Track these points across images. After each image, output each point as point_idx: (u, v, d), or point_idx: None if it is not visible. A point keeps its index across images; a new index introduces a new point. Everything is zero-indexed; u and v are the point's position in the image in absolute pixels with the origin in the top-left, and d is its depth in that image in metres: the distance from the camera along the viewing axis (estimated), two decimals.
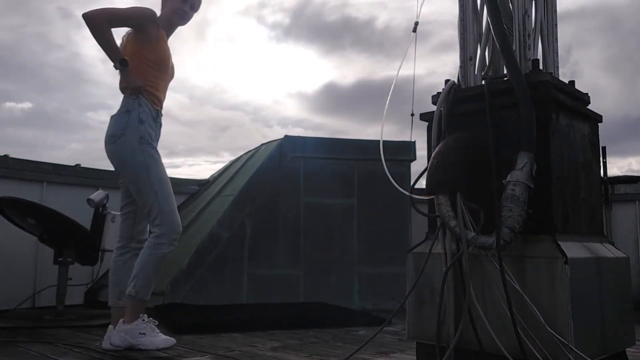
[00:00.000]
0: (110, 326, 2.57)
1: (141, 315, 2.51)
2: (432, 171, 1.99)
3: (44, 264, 4.02)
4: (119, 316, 2.54)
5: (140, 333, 2.47)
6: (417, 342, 2.13)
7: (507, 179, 1.83)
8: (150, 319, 2.53)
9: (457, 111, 2.14)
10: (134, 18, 2.59)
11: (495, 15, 2.06)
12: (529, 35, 2.09)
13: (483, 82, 2.10)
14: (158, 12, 2.70)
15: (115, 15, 2.53)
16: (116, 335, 2.48)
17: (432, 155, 2.03)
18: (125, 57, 2.52)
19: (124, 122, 2.53)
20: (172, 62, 2.78)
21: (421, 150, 4.66)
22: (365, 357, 2.47)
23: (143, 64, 2.59)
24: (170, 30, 2.77)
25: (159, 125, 2.67)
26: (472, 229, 1.89)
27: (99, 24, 2.45)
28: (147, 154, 2.53)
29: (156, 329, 2.53)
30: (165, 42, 2.72)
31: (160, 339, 2.50)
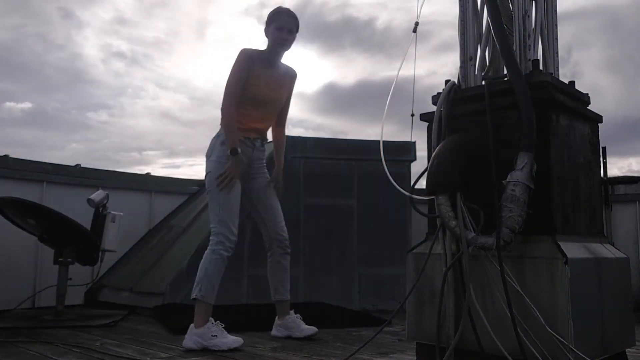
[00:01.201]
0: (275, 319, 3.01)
1: (210, 318, 2.67)
2: (432, 171, 1.99)
3: (44, 264, 4.02)
4: (280, 310, 3.01)
5: (212, 335, 2.63)
6: (417, 343, 2.13)
7: (507, 180, 1.83)
8: (218, 321, 2.70)
9: (457, 111, 2.14)
10: (241, 74, 2.85)
11: (495, 16, 2.06)
12: (529, 35, 2.09)
13: (483, 83, 2.10)
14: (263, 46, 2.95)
15: (232, 90, 2.83)
16: (189, 339, 2.64)
17: (432, 155, 2.03)
18: (237, 147, 2.77)
19: (213, 144, 2.92)
20: (274, 96, 2.98)
21: (421, 151, 4.67)
22: (365, 358, 2.47)
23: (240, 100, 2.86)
24: (277, 57, 2.98)
25: (251, 148, 2.95)
26: (472, 230, 1.89)
27: (227, 115, 2.82)
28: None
29: (224, 330, 2.69)
30: (261, 80, 2.90)
31: (230, 340, 2.66)
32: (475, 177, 1.95)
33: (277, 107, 3.05)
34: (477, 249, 1.86)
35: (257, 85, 2.89)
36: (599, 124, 2.29)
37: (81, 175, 4.61)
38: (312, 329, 2.98)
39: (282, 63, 3.04)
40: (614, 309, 1.99)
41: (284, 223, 3.08)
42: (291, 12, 2.98)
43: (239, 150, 2.78)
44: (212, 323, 2.66)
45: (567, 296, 1.72)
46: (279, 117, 3.11)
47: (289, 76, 3.09)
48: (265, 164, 3.11)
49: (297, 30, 2.97)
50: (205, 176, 2.91)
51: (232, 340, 2.65)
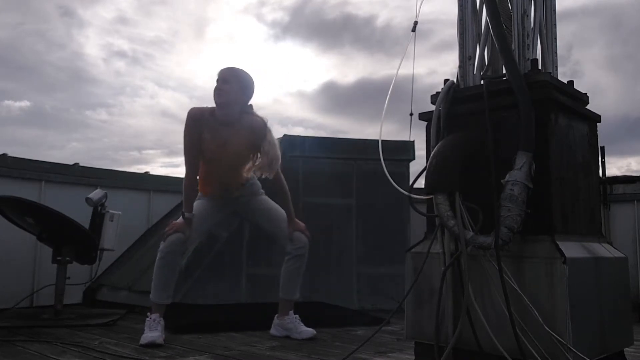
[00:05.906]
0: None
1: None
2: (431, 171, 1.99)
3: (43, 262, 4.01)
4: (281, 307, 3.11)
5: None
6: (416, 342, 2.13)
7: (506, 179, 1.83)
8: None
9: (456, 111, 2.14)
10: (189, 137, 2.86)
11: (494, 15, 2.06)
12: (527, 35, 2.09)
13: (482, 82, 2.10)
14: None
15: (187, 158, 2.89)
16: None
17: (431, 155, 2.03)
18: (186, 214, 2.87)
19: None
20: (224, 153, 2.91)
21: (420, 150, 4.66)
22: (364, 357, 2.47)
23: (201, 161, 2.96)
24: (223, 112, 2.89)
25: (226, 198, 3.08)
26: (470, 229, 1.89)
27: (184, 183, 2.94)
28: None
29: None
30: (209, 137, 2.87)
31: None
32: (474, 177, 1.95)
33: (235, 161, 2.95)
34: (476, 249, 1.86)
35: (205, 141, 2.86)
36: (598, 124, 2.29)
37: (80, 174, 4.60)
38: (311, 332, 2.97)
39: (245, 116, 2.93)
40: (612, 309, 2.00)
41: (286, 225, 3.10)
42: (232, 67, 2.92)
43: (190, 216, 2.87)
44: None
45: (565, 296, 1.72)
46: (266, 165, 2.92)
47: (249, 129, 2.93)
48: (255, 190, 3.16)
49: (235, 81, 2.87)
50: None
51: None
